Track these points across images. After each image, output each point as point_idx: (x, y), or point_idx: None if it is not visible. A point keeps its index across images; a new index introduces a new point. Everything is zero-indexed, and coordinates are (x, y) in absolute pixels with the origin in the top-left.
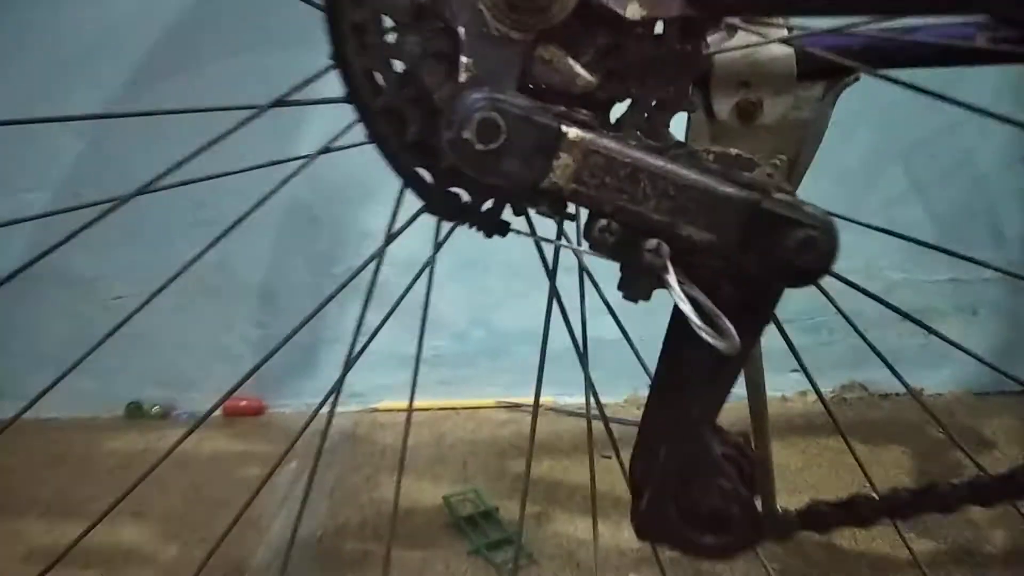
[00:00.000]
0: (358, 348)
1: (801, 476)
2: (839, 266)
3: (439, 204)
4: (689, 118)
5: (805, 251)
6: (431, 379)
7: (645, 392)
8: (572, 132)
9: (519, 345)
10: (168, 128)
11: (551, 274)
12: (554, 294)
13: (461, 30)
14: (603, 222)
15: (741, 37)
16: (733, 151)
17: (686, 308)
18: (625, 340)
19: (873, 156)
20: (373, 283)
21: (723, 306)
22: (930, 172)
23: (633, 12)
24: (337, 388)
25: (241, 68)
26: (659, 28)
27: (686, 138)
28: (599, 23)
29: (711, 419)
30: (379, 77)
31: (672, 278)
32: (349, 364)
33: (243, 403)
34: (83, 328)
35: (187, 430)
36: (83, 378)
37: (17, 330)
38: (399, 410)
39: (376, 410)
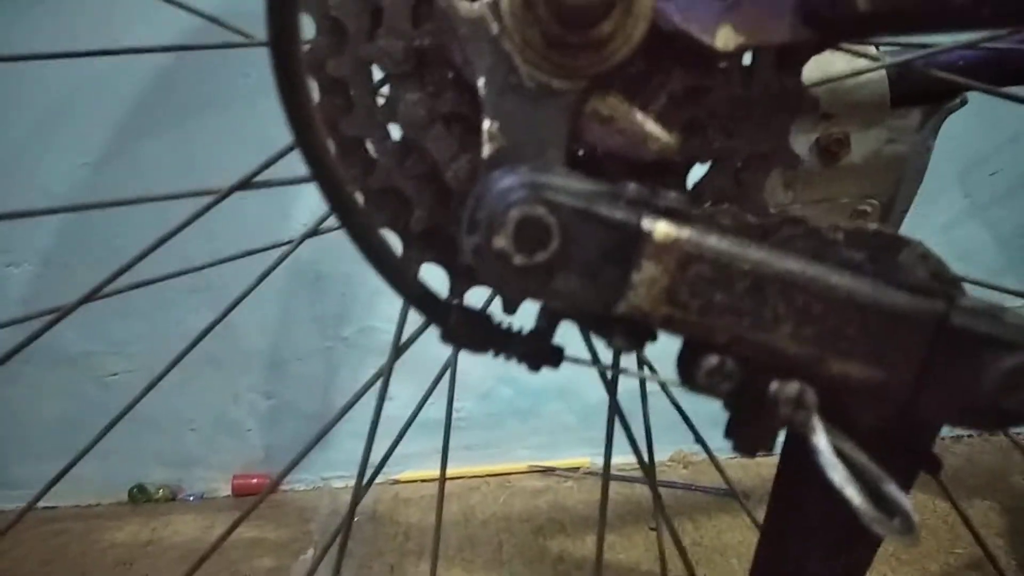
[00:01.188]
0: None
1: None
2: None
3: (460, 327)
4: None
5: (1016, 388)
6: (456, 444)
7: (691, 449)
8: (660, 229)
9: (550, 403)
10: (155, 191)
11: (612, 398)
12: (615, 413)
13: (481, 81)
14: (713, 359)
15: (818, 60)
16: (871, 226)
17: (849, 490)
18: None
19: (926, 176)
20: (380, 406)
21: (865, 449)
22: (991, 191)
23: (725, 40)
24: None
25: (229, 120)
26: (746, 60)
27: None
28: (674, 59)
29: None
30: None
31: (823, 440)
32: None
33: (254, 480)
34: (78, 409)
35: (217, 542)
36: (82, 462)
37: (7, 413)
38: (423, 480)
39: (397, 481)
